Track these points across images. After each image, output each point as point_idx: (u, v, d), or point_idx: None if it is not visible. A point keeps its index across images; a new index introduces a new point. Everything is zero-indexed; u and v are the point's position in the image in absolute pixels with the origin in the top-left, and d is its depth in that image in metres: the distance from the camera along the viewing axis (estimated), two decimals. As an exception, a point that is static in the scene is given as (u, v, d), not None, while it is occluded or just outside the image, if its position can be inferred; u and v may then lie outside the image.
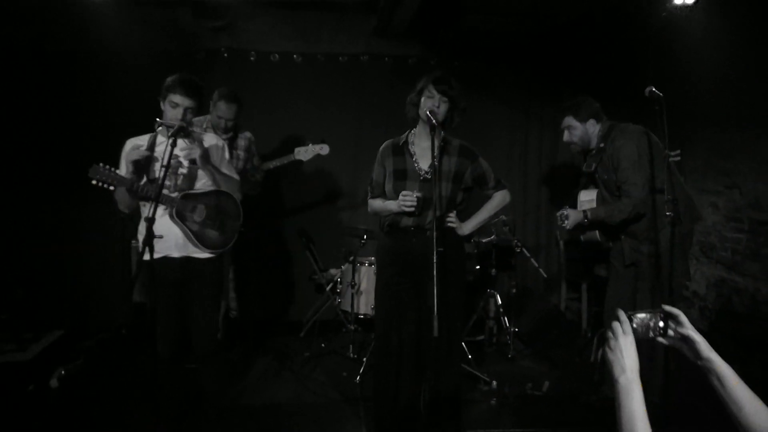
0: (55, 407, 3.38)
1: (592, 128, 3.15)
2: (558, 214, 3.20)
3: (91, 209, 4.29)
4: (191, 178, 2.84)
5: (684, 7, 4.04)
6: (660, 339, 1.44)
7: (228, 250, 2.95)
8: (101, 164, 2.58)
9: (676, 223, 2.61)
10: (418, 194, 2.74)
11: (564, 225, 3.14)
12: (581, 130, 3.18)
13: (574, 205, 3.34)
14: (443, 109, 2.75)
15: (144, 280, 2.70)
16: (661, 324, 1.42)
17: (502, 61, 5.09)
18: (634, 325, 1.41)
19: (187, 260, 2.82)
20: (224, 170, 2.93)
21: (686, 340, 1.39)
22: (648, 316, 1.43)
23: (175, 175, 2.79)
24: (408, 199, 2.73)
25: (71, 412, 3.33)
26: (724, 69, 3.93)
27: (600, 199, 3.23)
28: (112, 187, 2.61)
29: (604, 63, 4.95)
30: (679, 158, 2.92)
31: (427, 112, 2.71)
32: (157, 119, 2.78)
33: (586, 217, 3.10)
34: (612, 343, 1.38)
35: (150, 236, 2.41)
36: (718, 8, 3.91)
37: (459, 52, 5.04)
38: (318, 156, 4.12)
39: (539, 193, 5.38)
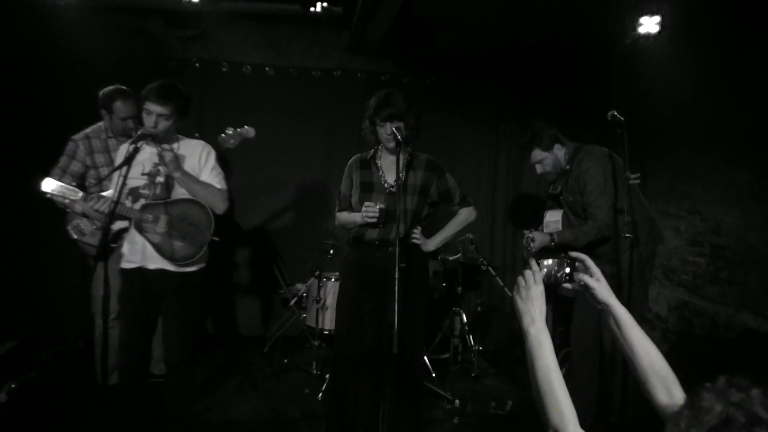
0: (2, 423, 3.24)
1: (560, 152, 3.18)
2: (525, 237, 3.19)
3: (49, 214, 4.16)
4: (170, 186, 2.78)
5: (647, 37, 4.16)
6: (565, 284, 1.47)
7: (196, 262, 2.84)
8: (55, 178, 2.49)
9: (635, 245, 2.65)
10: (381, 205, 2.74)
11: (530, 248, 3.15)
12: (551, 158, 3.19)
13: (540, 225, 3.37)
14: (400, 131, 2.72)
15: (97, 290, 2.64)
16: (567, 270, 1.46)
17: (473, 80, 5.16)
18: (542, 272, 1.43)
19: (162, 273, 2.75)
20: (205, 178, 2.84)
21: (586, 286, 1.42)
22: (555, 262, 1.46)
23: (153, 184, 2.75)
24: (370, 210, 2.73)
25: (18, 429, 3.19)
26: (686, 96, 4.05)
27: (565, 220, 3.26)
28: (66, 200, 2.53)
29: (570, 85, 5.05)
30: (638, 181, 2.96)
31: (386, 139, 2.75)
32: (137, 126, 2.75)
33: (552, 240, 3.11)
34: (523, 292, 1.38)
35: (104, 245, 2.36)
36: (680, 38, 4.04)
37: (431, 70, 5.09)
38: (247, 141, 3.67)
39: (506, 212, 5.42)
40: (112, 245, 2.81)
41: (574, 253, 1.47)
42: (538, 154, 3.21)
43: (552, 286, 1.45)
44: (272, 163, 4.92)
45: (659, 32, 4.10)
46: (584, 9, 4.06)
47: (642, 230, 2.86)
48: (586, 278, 1.42)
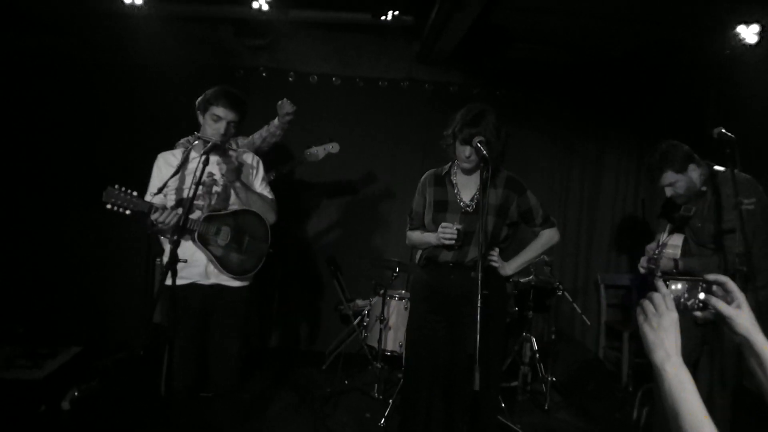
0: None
1: (694, 174, 2.80)
2: (653, 254, 2.82)
3: (118, 223, 4.18)
4: (226, 197, 2.69)
5: (745, 47, 3.83)
6: (696, 313, 1.24)
7: (251, 277, 2.75)
8: (116, 186, 2.38)
9: (749, 280, 2.34)
10: (459, 227, 2.57)
11: (654, 269, 2.78)
12: (685, 180, 2.79)
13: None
14: (475, 157, 2.55)
15: (165, 304, 2.56)
16: (701, 296, 1.22)
17: (546, 93, 4.91)
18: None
19: (217, 288, 2.65)
20: (258, 188, 2.77)
21: (721, 316, 1.19)
22: (686, 285, 1.23)
23: (209, 194, 2.65)
24: (448, 232, 2.55)
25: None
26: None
27: (686, 247, 2.90)
28: (128, 212, 2.44)
29: (656, 100, 4.73)
30: (753, 206, 2.64)
31: (463, 159, 2.58)
32: (195, 133, 2.65)
33: (676, 266, 2.79)
34: (654, 320, 1.14)
35: (173, 260, 2.26)
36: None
37: (502, 81, 4.89)
38: (330, 155, 3.97)
39: (579, 232, 5.12)
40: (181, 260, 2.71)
41: (712, 276, 1.23)
42: (670, 176, 2.79)
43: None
44: (336, 175, 4.83)
45: (759, 42, 3.76)
46: (674, 18, 3.76)
47: (760, 264, 2.53)
48: (723, 306, 1.19)
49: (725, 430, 2.65)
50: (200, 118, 2.65)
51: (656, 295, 1.18)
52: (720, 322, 1.22)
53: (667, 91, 4.68)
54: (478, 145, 2.46)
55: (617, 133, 5.02)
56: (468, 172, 2.67)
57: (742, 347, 1.19)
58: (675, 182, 2.79)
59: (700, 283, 1.23)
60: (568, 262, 5.09)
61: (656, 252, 2.78)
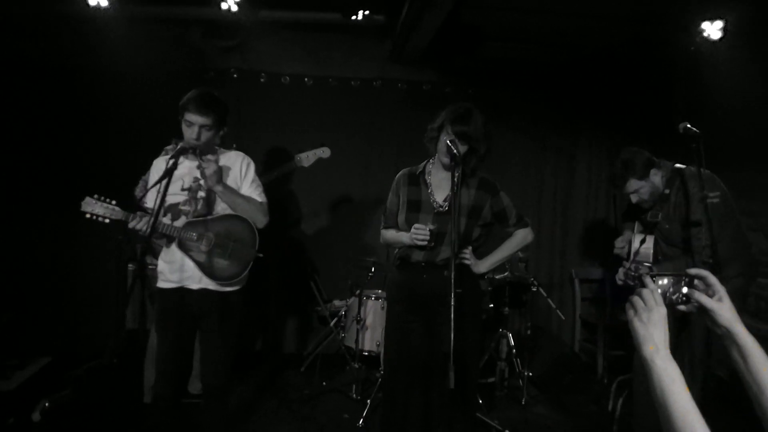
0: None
1: (656, 178, 2.87)
2: (629, 270, 2.82)
3: (87, 229, 4.11)
4: (211, 202, 2.65)
5: (709, 43, 3.91)
6: (680, 307, 1.28)
7: (241, 281, 2.71)
8: (95, 196, 2.38)
9: (716, 271, 2.39)
10: (432, 227, 2.57)
11: (633, 285, 2.78)
12: (648, 186, 2.86)
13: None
14: (461, 150, 2.54)
15: (136, 310, 2.53)
16: (684, 290, 1.27)
17: (519, 90, 4.95)
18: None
19: (205, 292, 2.62)
20: (245, 191, 2.71)
21: (703, 309, 1.24)
22: (671, 281, 1.28)
23: (194, 199, 2.62)
24: (420, 233, 2.56)
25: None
26: (752, 107, 3.78)
27: (657, 249, 2.95)
28: (107, 221, 2.41)
29: (626, 96, 4.81)
30: (717, 200, 2.70)
31: (445, 153, 2.56)
32: (174, 139, 2.62)
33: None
34: (644, 315, 1.18)
35: (142, 265, 2.24)
36: (745, 44, 3.78)
37: (474, 80, 4.91)
38: (320, 160, 3.92)
39: (553, 228, 5.18)
40: (151, 266, 2.68)
41: (694, 270, 1.28)
42: (633, 184, 2.85)
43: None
44: (310, 175, 4.80)
45: (722, 38, 3.84)
46: (643, 15, 3.82)
47: (729, 255, 2.58)
48: (705, 299, 1.24)
49: None
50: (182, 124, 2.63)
51: (645, 291, 1.22)
52: (702, 315, 1.26)
53: (637, 87, 4.74)
54: (448, 143, 2.47)
55: (589, 130, 5.09)
56: (447, 167, 2.66)
57: (723, 338, 1.23)
58: (639, 189, 2.86)
59: (684, 278, 1.27)
60: (543, 257, 5.14)
61: (632, 268, 2.80)
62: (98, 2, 3.79)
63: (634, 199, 2.92)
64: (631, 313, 1.21)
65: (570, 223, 5.19)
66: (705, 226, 2.47)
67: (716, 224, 2.48)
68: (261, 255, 2.72)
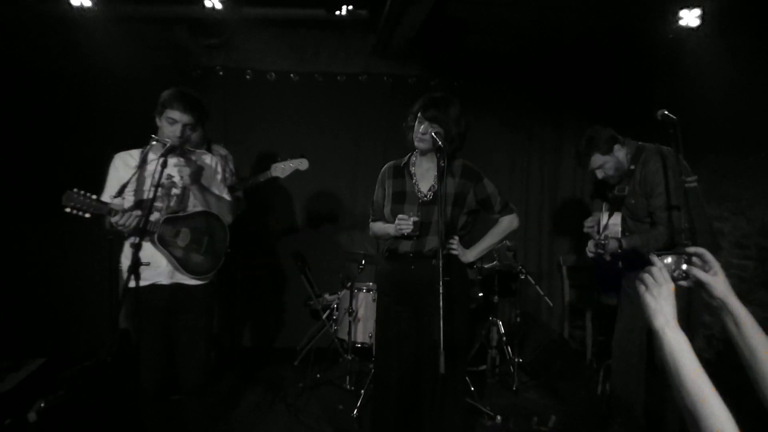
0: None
1: (620, 153, 2.97)
2: (599, 240, 2.92)
3: (78, 229, 4.12)
4: (184, 198, 2.70)
5: (687, 30, 3.99)
6: (681, 282, 1.40)
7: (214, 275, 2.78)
8: (75, 190, 2.40)
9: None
10: (416, 218, 2.61)
11: (602, 253, 2.90)
12: (612, 161, 2.96)
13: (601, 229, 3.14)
14: (440, 136, 2.58)
15: (129, 308, 2.55)
16: (684, 267, 1.39)
17: (504, 82, 5.02)
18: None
19: (177, 287, 2.66)
20: (215, 190, 2.79)
21: (700, 283, 1.37)
22: (674, 259, 1.40)
23: (168, 196, 2.65)
24: (404, 224, 2.60)
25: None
26: (729, 92, 3.86)
27: (624, 225, 3.05)
28: (87, 215, 2.44)
29: (607, 84, 4.89)
30: (695, 184, 2.78)
31: (419, 139, 2.62)
32: (153, 136, 2.64)
33: (620, 246, 2.92)
34: (655, 290, 1.31)
35: (136, 263, 2.26)
36: (722, 31, 3.86)
37: (460, 72, 4.97)
38: (297, 172, 3.77)
39: (541, 217, 5.26)
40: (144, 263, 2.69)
41: (692, 249, 1.41)
42: (597, 159, 2.96)
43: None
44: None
45: (699, 26, 3.92)
46: (622, 3, 3.89)
47: (702, 238, 2.67)
48: (702, 274, 1.36)
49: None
50: (158, 121, 2.65)
51: (654, 269, 1.34)
52: (699, 289, 1.38)
53: (619, 76, 4.83)
54: (434, 135, 2.53)
55: (574, 120, 5.16)
56: (423, 153, 2.71)
57: (719, 310, 1.35)
58: (603, 164, 2.96)
59: (683, 256, 1.40)
60: (532, 246, 5.23)
61: (602, 237, 2.90)
62: (81, 3, 3.79)
63: (599, 174, 3.02)
64: (642, 288, 1.33)
65: (557, 213, 5.27)
66: (684, 210, 2.54)
67: (693, 208, 2.57)
68: (230, 250, 2.82)
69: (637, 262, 3.00)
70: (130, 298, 2.35)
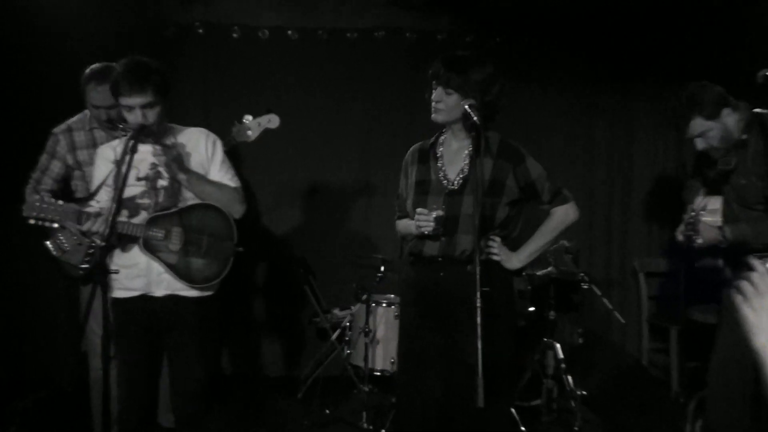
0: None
1: (730, 119, 2.89)
2: (686, 225, 2.93)
3: (31, 235, 4.25)
4: (175, 191, 2.75)
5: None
6: None
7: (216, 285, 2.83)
8: (38, 197, 2.50)
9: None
10: (439, 212, 2.63)
11: (693, 236, 2.89)
12: (718, 128, 2.88)
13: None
14: (449, 103, 2.63)
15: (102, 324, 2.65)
16: None
17: (558, 39, 5.00)
18: None
19: (173, 300, 2.73)
20: (215, 176, 2.83)
21: None
22: None
23: (154, 190, 2.72)
24: (422, 220, 2.63)
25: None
26: None
27: (727, 209, 2.97)
28: (55, 225, 2.55)
29: (689, 41, 4.85)
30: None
31: (433, 108, 2.67)
32: (120, 126, 2.73)
33: (723, 235, 2.87)
34: (755, 301, 1.32)
35: (103, 271, 2.37)
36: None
37: (503, 26, 4.99)
38: (267, 131, 3.49)
39: (609, 208, 5.27)
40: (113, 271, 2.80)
41: None
42: (699, 124, 2.87)
43: None
44: (299, 155, 4.93)
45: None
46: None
47: None
48: None
49: None
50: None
51: (755, 275, 1.35)
52: None
53: (701, 31, 4.77)
54: (467, 109, 2.57)
55: (646, 84, 5.15)
56: (453, 130, 2.76)
57: None
58: (706, 131, 2.89)
59: None
60: (598, 246, 5.24)
61: (693, 216, 2.87)
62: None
63: (700, 145, 2.95)
64: (740, 300, 1.34)
65: (631, 203, 5.28)
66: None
67: None
68: (241, 249, 2.82)
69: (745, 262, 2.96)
70: (105, 313, 2.43)
